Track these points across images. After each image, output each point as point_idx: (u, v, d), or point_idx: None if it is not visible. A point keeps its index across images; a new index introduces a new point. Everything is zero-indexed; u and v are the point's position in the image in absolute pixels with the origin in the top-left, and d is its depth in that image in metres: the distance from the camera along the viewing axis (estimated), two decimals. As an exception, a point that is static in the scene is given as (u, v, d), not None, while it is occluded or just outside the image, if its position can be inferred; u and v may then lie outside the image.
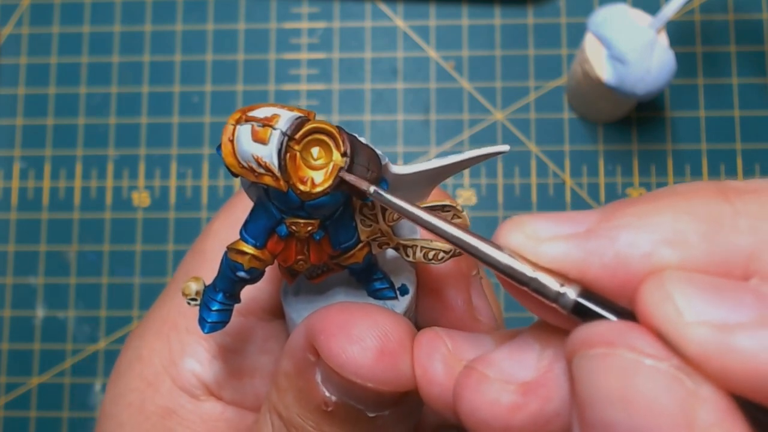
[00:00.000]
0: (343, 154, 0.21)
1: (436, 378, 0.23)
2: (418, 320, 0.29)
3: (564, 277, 0.19)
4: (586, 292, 0.19)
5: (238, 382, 0.30)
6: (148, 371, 0.29)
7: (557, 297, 0.19)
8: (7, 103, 0.62)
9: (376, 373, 0.22)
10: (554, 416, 0.20)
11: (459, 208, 0.24)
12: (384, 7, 0.62)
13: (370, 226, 0.24)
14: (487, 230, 0.58)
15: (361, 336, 0.23)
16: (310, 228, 0.23)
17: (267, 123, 0.21)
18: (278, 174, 0.21)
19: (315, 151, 0.22)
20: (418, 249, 0.25)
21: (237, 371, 0.30)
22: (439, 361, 0.23)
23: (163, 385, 0.29)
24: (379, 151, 0.23)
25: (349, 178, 0.21)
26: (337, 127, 0.22)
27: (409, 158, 0.60)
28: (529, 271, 0.19)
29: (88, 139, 0.61)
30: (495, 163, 0.59)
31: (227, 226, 0.30)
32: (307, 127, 0.21)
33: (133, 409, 0.29)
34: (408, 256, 0.25)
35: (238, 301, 0.26)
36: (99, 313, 0.59)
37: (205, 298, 0.25)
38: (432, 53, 0.61)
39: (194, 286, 0.26)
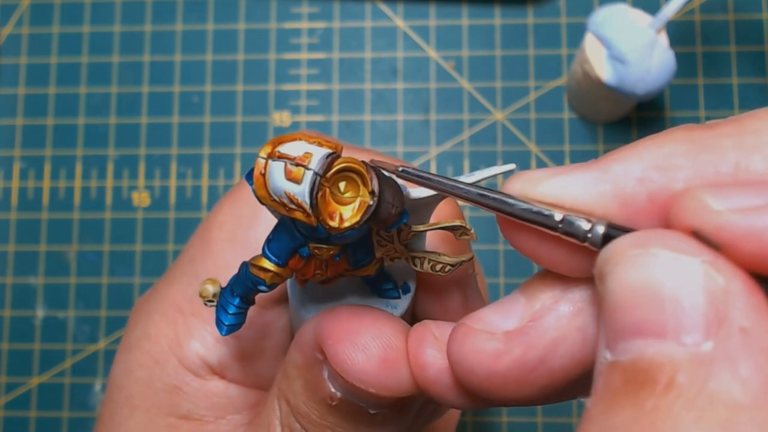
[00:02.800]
0: (371, 193, 0.22)
1: (426, 363, 0.24)
2: (417, 316, 0.29)
3: (590, 216, 0.20)
4: (614, 225, 0.19)
5: (240, 363, 0.31)
6: (156, 350, 0.31)
7: (586, 234, 0.19)
8: (7, 103, 0.62)
9: (379, 380, 0.24)
10: (538, 363, 0.21)
11: (468, 226, 0.25)
12: (384, 7, 0.62)
13: (385, 245, 0.25)
14: (487, 230, 0.59)
15: (366, 345, 0.24)
16: (332, 252, 0.24)
17: (300, 163, 0.22)
18: (310, 211, 0.22)
19: (342, 185, 0.22)
20: (426, 261, 0.26)
21: (239, 354, 0.31)
22: (428, 347, 0.24)
23: (169, 364, 0.30)
24: (400, 181, 0.24)
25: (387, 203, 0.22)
26: (364, 163, 0.22)
27: (409, 158, 0.60)
28: (557, 214, 0.20)
29: (88, 139, 0.61)
30: (495, 163, 0.59)
31: (233, 219, 0.31)
32: (338, 166, 0.22)
33: (141, 383, 0.31)
34: (416, 266, 0.26)
35: (254, 303, 0.27)
36: (99, 313, 0.59)
37: (222, 300, 0.26)
38: (432, 53, 0.61)
39: (211, 289, 0.27)
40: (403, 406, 0.26)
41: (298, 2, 0.62)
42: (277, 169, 0.22)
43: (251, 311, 0.27)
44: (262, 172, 0.22)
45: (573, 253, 0.20)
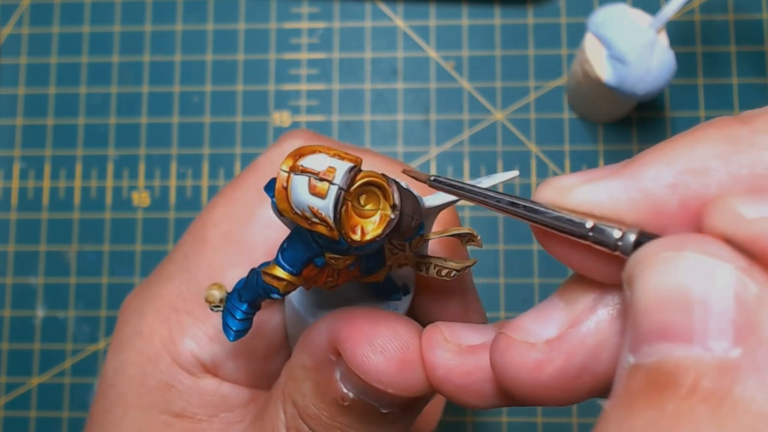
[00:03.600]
0: (393, 206, 0.22)
1: (436, 364, 0.24)
2: (416, 317, 0.30)
3: (621, 224, 0.19)
4: (645, 233, 0.19)
5: (233, 361, 0.31)
6: (149, 348, 0.31)
7: (617, 243, 0.19)
8: (7, 103, 0.62)
9: (398, 381, 0.24)
10: (581, 370, 0.21)
11: (474, 233, 0.25)
12: (384, 7, 0.62)
13: (397, 254, 0.26)
14: (487, 230, 0.59)
15: (384, 347, 0.24)
16: (348, 263, 0.24)
17: (324, 178, 0.22)
18: (333, 225, 0.22)
19: (362, 198, 0.22)
20: (432, 266, 0.26)
21: (232, 352, 0.31)
22: (438, 348, 0.24)
23: (162, 362, 0.30)
24: (416, 192, 0.24)
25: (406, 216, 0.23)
26: (384, 176, 0.22)
27: (409, 158, 0.60)
28: (588, 222, 0.19)
29: (88, 139, 0.61)
30: (495, 163, 0.59)
31: (228, 218, 0.31)
32: (360, 181, 0.22)
33: (134, 381, 0.31)
34: (422, 271, 0.27)
35: (260, 308, 0.27)
36: (99, 313, 0.59)
37: (229, 305, 0.26)
38: (432, 53, 0.61)
39: (218, 294, 0.27)
40: (414, 404, 0.26)
41: (298, 2, 0.62)
42: (300, 183, 0.22)
43: None
44: (285, 185, 0.22)
45: (606, 260, 0.20)
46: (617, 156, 0.59)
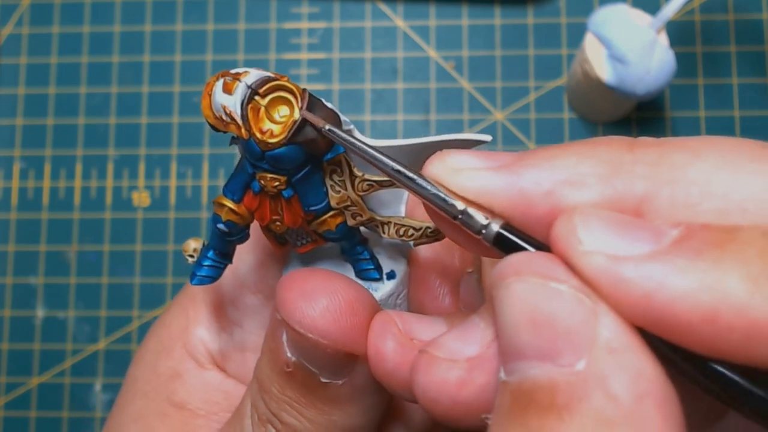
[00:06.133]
0: (301, 110, 0.24)
1: (386, 355, 0.24)
2: (410, 308, 0.30)
3: (491, 212, 0.20)
4: (509, 226, 0.20)
5: (240, 355, 0.32)
6: (166, 336, 0.32)
7: (481, 230, 0.20)
8: (7, 103, 0.62)
9: (322, 327, 0.24)
10: None
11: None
12: (384, 7, 0.62)
13: (339, 192, 0.26)
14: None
15: (312, 291, 0.25)
16: (277, 183, 0.25)
17: (236, 77, 0.23)
18: (240, 122, 0.23)
19: (282, 109, 0.24)
20: (392, 226, 0.27)
21: (240, 345, 0.32)
22: (390, 340, 0.24)
23: (175, 350, 0.32)
24: (344, 117, 0.25)
25: (309, 116, 0.24)
26: (304, 89, 0.24)
27: (409, 158, 0.60)
28: (459, 205, 0.20)
29: (88, 139, 0.61)
30: (495, 163, 0.59)
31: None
32: (270, 84, 0.24)
33: (147, 368, 0.32)
34: (384, 233, 0.27)
35: (230, 261, 0.28)
36: (99, 313, 0.59)
37: (201, 255, 0.28)
38: (432, 53, 0.61)
39: (192, 244, 0.28)
40: (354, 380, 0.26)
41: (298, 2, 0.62)
42: (218, 85, 0.23)
43: (257, 301, 0.28)
44: (209, 92, 0.24)
45: (476, 241, 0.21)
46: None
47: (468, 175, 0.20)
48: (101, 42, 0.63)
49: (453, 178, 0.20)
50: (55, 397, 0.58)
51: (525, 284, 0.18)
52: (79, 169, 0.61)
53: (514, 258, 0.19)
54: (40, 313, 0.59)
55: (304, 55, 0.62)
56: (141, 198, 0.61)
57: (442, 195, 0.21)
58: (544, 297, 0.18)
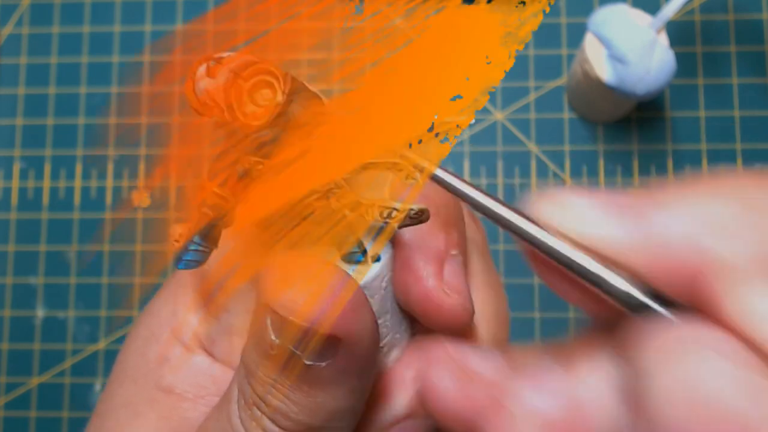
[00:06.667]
0: (284, 93, 0.24)
1: (443, 393, 0.23)
2: (394, 292, 0.30)
3: (617, 266, 0.17)
4: (652, 288, 0.17)
5: (228, 339, 0.32)
6: (154, 322, 0.32)
7: (624, 297, 0.17)
8: (7, 103, 0.62)
9: (304, 310, 0.24)
10: None
11: (418, 165, 0.25)
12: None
13: None
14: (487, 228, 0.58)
15: (294, 274, 0.24)
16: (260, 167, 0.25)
17: (219, 61, 0.24)
18: (223, 106, 0.24)
19: (265, 93, 0.24)
20: (376, 208, 0.26)
21: (227, 329, 0.32)
22: (446, 374, 0.23)
23: (163, 335, 0.32)
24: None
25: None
26: (286, 72, 0.24)
27: (409, 158, 0.60)
28: (594, 265, 0.17)
29: (88, 139, 0.61)
30: (495, 163, 0.59)
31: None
32: (254, 66, 0.24)
33: (137, 354, 0.32)
34: (368, 216, 0.27)
35: (216, 246, 0.28)
36: (99, 313, 0.59)
37: (188, 241, 0.28)
38: (432, 53, 0.61)
39: (179, 229, 0.28)
40: (337, 362, 0.25)
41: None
42: (201, 68, 0.24)
43: (243, 285, 0.28)
44: (193, 76, 0.24)
45: (597, 299, 0.18)
46: (617, 156, 0.59)
47: (592, 222, 0.17)
48: (101, 42, 0.63)
49: (580, 230, 0.17)
50: (55, 397, 0.58)
51: (704, 362, 0.15)
52: (79, 169, 0.61)
53: (681, 329, 0.16)
54: (40, 313, 0.59)
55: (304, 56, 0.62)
56: (141, 198, 0.61)
57: (570, 251, 0.17)
58: (725, 382, 0.14)
